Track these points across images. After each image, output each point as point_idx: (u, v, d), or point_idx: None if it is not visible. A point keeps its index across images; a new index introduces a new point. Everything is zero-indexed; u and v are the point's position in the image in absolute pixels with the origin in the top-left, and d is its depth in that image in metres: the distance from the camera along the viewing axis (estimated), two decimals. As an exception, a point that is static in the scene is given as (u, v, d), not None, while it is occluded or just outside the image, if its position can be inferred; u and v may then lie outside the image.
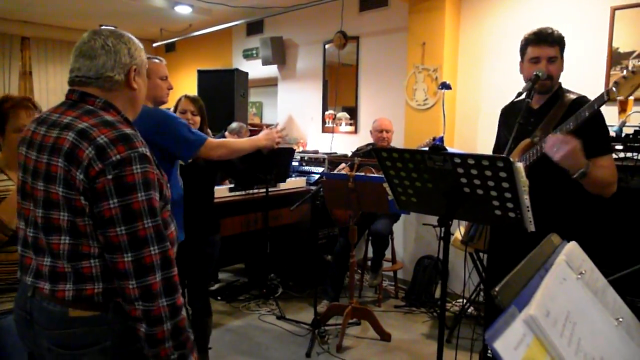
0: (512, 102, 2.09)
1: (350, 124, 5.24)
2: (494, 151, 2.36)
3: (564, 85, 2.10)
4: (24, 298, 1.30)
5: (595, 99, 1.83)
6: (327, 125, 5.47)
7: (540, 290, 0.64)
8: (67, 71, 1.34)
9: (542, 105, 2.07)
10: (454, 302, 4.03)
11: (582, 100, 2.00)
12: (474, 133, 4.15)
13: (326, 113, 5.46)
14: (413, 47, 4.24)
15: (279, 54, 5.78)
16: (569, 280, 0.72)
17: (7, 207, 1.74)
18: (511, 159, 1.45)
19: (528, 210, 1.55)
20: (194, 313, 2.72)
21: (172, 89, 2.37)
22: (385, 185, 1.84)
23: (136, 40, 1.37)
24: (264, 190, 3.90)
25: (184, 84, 6.77)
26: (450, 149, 1.56)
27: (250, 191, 3.95)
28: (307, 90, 5.70)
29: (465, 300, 3.68)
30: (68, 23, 6.84)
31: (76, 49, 1.31)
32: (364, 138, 4.90)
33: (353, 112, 5.23)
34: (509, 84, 3.79)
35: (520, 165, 1.46)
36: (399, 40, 4.56)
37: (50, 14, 6.38)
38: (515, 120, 1.95)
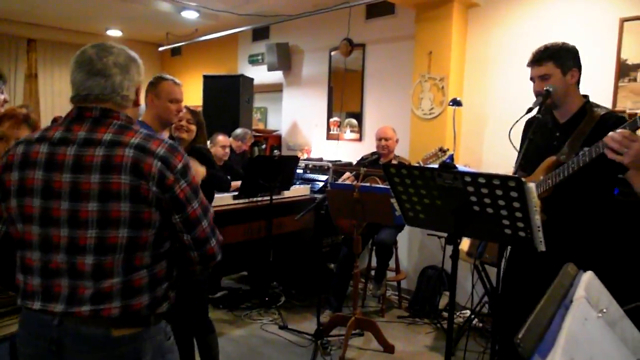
0: (534, 115, 2.05)
1: (355, 132, 5.22)
2: (518, 160, 2.32)
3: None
4: (46, 329, 1.24)
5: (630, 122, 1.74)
6: (331, 132, 5.45)
7: (563, 335, 0.61)
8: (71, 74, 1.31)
9: (569, 120, 2.03)
10: (458, 314, 3.99)
11: (610, 115, 1.96)
12: (480, 143, 4.12)
13: (331, 120, 5.45)
14: (419, 55, 4.22)
15: (285, 60, 5.77)
16: (589, 320, 0.69)
17: None
18: (523, 180, 1.42)
19: (539, 230, 1.52)
20: (195, 334, 2.66)
21: (181, 111, 2.35)
22: (393, 200, 1.81)
23: (137, 57, 1.38)
24: (268, 198, 3.88)
25: (190, 89, 6.76)
26: (460, 167, 1.54)
27: (254, 199, 3.94)
28: (312, 97, 5.69)
29: (470, 313, 3.64)
30: (74, 26, 6.86)
31: (83, 65, 1.28)
32: (369, 146, 4.87)
33: (358, 119, 5.21)
34: (516, 94, 3.79)
35: (532, 186, 1.43)
36: (406, 49, 4.55)
37: (56, 17, 6.40)
38: (540, 135, 1.93)
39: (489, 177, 1.47)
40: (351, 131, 5.26)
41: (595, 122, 1.94)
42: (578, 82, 2.04)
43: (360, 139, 5.18)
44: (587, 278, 0.87)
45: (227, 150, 4.28)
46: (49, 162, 1.23)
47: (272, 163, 3.87)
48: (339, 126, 5.36)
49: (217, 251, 1.35)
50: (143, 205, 1.20)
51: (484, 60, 4.07)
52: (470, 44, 4.14)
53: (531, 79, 2.03)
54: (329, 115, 5.49)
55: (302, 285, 4.36)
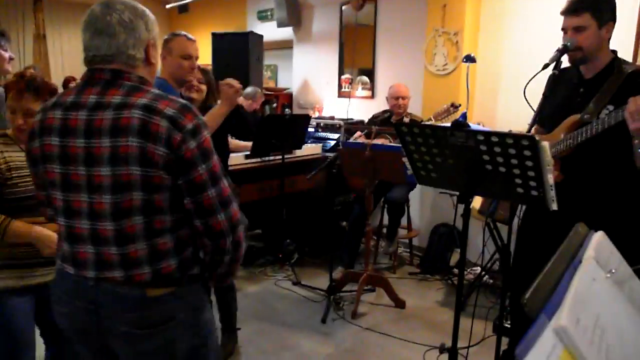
0: (561, 70, 1.98)
1: (367, 89, 5.14)
2: (537, 116, 2.27)
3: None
4: (83, 289, 1.26)
5: None
6: (343, 89, 5.38)
7: (570, 294, 0.62)
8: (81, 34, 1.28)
9: (596, 76, 1.95)
10: (469, 270, 4.05)
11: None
12: (494, 100, 4.04)
13: (342, 77, 5.36)
14: (433, 9, 4.09)
15: (295, 15, 5.63)
16: (598, 281, 0.70)
17: None
18: (536, 137, 1.40)
19: (551, 189, 1.51)
20: (215, 290, 2.72)
21: (195, 68, 2.29)
22: (405, 159, 1.81)
23: (148, 11, 1.32)
24: (280, 157, 3.89)
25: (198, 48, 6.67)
26: (473, 126, 1.52)
27: (266, 158, 3.95)
28: (322, 53, 5.58)
29: (481, 270, 3.69)
30: (80, -16, 6.74)
31: (88, 25, 1.24)
32: (381, 103, 4.81)
33: (370, 75, 5.11)
34: (533, 49, 3.68)
35: (546, 145, 1.41)
36: (419, 2, 4.39)
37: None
38: (563, 91, 1.87)
39: (502, 135, 1.45)
40: (363, 88, 5.18)
41: (623, 79, 1.86)
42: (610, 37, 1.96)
43: (372, 97, 5.11)
44: (598, 238, 0.88)
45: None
46: (62, 127, 1.22)
47: (284, 122, 3.85)
48: (350, 83, 5.28)
49: (227, 230, 1.24)
50: (152, 169, 1.17)
51: (499, 13, 3.93)
52: (486, -4, 3.99)
53: (563, 29, 1.93)
54: (340, 73, 5.40)
55: (315, 243, 4.43)
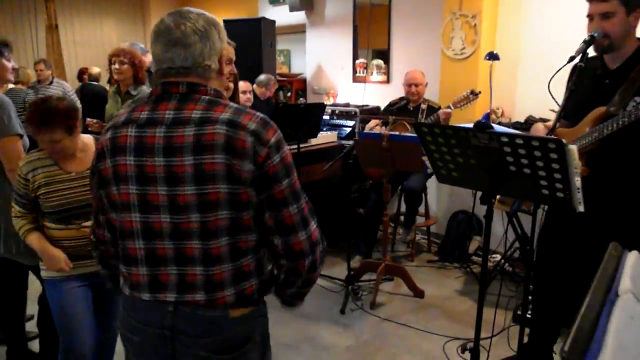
0: (587, 59, 1.91)
1: (383, 73, 5.05)
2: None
3: None
4: (159, 315, 1.21)
5: None
6: (358, 74, 5.30)
7: (609, 341, 0.59)
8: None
9: (621, 66, 1.87)
10: (488, 258, 4.02)
11: None
12: (514, 87, 3.94)
13: (357, 62, 5.28)
14: (450, -9, 3.97)
15: (307, -2, 5.53)
16: (636, 319, 0.67)
17: None
18: (563, 142, 1.35)
19: (578, 192, 1.47)
20: None
21: (235, 73, 2.27)
22: (425, 158, 1.77)
23: (218, 20, 1.26)
24: (295, 146, 3.86)
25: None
26: (496, 127, 1.47)
27: (281, 148, 3.92)
28: (336, 37, 5.49)
29: (501, 258, 3.65)
30: (90, -28, 6.69)
31: (161, 35, 1.17)
32: (397, 88, 4.72)
33: (385, 59, 5.01)
34: (553, 33, 3.56)
35: (573, 148, 1.36)
36: (436, -16, 4.27)
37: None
38: (587, 82, 1.80)
39: (528, 138, 1.41)
40: (378, 73, 5.09)
41: None
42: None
43: (387, 81, 5.03)
44: (632, 262, 0.84)
45: (249, 95, 4.21)
46: (138, 145, 1.16)
47: (298, 111, 3.81)
48: (365, 68, 5.19)
49: (307, 250, 1.18)
50: (239, 186, 1.12)
51: (519, -6, 3.80)
52: (505, -24, 3.86)
53: (589, 16, 1.84)
54: (355, 57, 5.31)
55: (332, 232, 4.42)
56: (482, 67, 3.94)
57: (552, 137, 1.39)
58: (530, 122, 3.72)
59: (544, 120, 3.67)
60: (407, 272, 3.48)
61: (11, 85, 3.99)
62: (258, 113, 1.19)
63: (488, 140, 1.50)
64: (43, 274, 1.98)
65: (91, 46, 6.72)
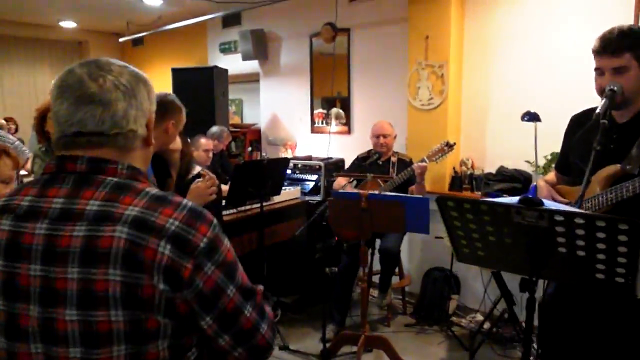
0: (583, 111, 1.75)
1: (343, 124, 4.84)
2: (559, 162, 2.02)
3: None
4: None
5: None
6: (316, 125, 5.07)
7: None
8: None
9: (632, 120, 1.71)
10: (468, 318, 3.76)
11: None
12: (483, 133, 3.82)
13: (315, 112, 5.06)
14: (415, 41, 3.86)
15: (261, 48, 5.31)
16: None
17: None
18: (640, 223, 1.11)
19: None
20: None
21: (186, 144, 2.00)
22: (445, 237, 1.48)
23: (147, 77, 0.97)
24: (258, 206, 3.49)
25: (156, 84, 6.17)
26: (547, 203, 1.21)
27: (242, 208, 3.55)
28: (292, 87, 5.26)
29: (484, 318, 3.41)
30: (24, 18, 6.13)
31: (69, 89, 0.87)
32: (358, 139, 4.52)
33: (345, 108, 4.80)
34: (521, 80, 3.50)
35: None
36: (398, 33, 4.15)
37: (3, 9, 5.70)
38: (584, 133, 1.63)
39: (591, 217, 1.15)
40: (338, 124, 4.87)
41: None
42: None
43: (349, 132, 4.81)
44: None
45: (211, 154, 3.87)
46: (11, 245, 0.84)
47: (261, 168, 3.48)
48: (324, 118, 4.97)
49: (270, 338, 0.96)
50: (145, 313, 0.81)
51: (483, 43, 3.73)
52: (469, 26, 3.80)
53: (597, 69, 1.70)
54: (312, 107, 5.09)
55: (300, 296, 4.04)
56: (452, 117, 3.81)
57: (625, 217, 1.15)
58: (504, 173, 3.59)
59: (518, 172, 3.55)
60: (390, 344, 3.13)
61: None
62: (185, 202, 0.89)
63: (536, 218, 1.23)
64: None
65: (22, 97, 6.07)
